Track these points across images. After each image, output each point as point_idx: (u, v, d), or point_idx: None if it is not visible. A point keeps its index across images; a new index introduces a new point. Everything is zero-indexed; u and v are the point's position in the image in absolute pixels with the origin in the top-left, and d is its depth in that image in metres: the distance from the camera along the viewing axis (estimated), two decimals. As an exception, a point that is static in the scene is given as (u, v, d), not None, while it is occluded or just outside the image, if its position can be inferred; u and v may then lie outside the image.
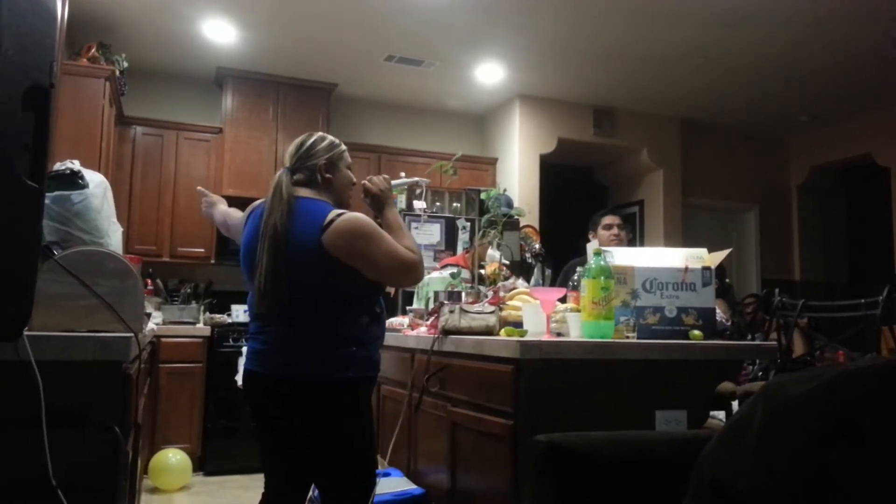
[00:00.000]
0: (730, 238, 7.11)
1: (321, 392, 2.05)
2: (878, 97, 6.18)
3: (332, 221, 2.04)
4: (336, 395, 2.07)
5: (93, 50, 4.77)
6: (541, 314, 2.33)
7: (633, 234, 7.09)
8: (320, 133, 2.29)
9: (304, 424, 2.10)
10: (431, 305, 3.01)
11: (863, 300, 3.80)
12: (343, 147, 2.28)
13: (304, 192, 2.15)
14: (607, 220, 4.05)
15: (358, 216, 2.10)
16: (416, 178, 2.69)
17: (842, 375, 1.01)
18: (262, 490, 2.26)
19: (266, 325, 2.12)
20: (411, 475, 2.86)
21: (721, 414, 2.26)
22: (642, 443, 1.64)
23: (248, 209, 2.32)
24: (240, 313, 5.27)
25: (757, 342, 3.72)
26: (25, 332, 1.50)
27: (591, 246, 2.59)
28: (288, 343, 2.08)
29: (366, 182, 2.33)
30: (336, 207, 2.13)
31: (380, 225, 2.21)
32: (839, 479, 0.94)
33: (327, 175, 2.20)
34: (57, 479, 1.57)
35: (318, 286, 2.06)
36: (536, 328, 2.32)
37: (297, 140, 2.26)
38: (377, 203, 2.32)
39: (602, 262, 2.24)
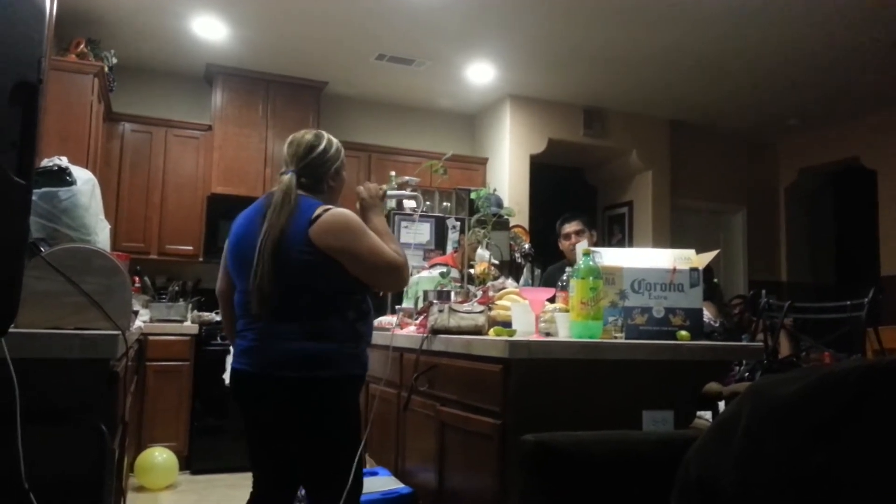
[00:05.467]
0: (718, 239, 7.15)
1: (306, 390, 2.05)
2: (866, 101, 6.23)
3: (319, 216, 2.06)
4: (321, 394, 2.06)
5: (81, 46, 4.73)
6: (530, 314, 2.34)
7: (622, 235, 7.12)
8: (326, 136, 2.27)
9: (289, 423, 2.09)
10: (420, 305, 3.01)
11: (848, 302, 3.83)
12: (343, 151, 2.31)
13: (304, 194, 2.16)
14: (565, 229, 4.06)
15: (345, 211, 2.11)
16: (410, 191, 2.63)
17: (827, 376, 1.02)
18: (250, 489, 2.26)
19: (252, 322, 2.12)
20: (399, 474, 2.86)
21: (707, 414, 2.27)
22: (629, 442, 1.64)
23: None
24: (228, 311, 5.24)
25: (743, 343, 3.74)
26: (10, 330, 1.49)
27: (581, 246, 2.59)
28: (273, 340, 2.08)
29: (360, 188, 2.34)
30: (334, 207, 2.14)
31: None
32: (824, 479, 0.94)
33: (332, 184, 2.25)
34: (42, 477, 1.56)
35: (305, 282, 2.06)
36: (525, 328, 2.32)
37: (304, 141, 2.22)
38: (364, 207, 2.31)
39: (591, 263, 2.24)
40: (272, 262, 2.03)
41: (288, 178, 2.14)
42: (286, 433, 2.13)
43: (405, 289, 3.45)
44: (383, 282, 2.20)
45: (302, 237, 2.04)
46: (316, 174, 2.20)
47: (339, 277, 2.08)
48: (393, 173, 3.88)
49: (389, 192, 2.41)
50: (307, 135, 2.24)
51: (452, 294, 2.83)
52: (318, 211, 2.07)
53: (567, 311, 2.31)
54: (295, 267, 2.05)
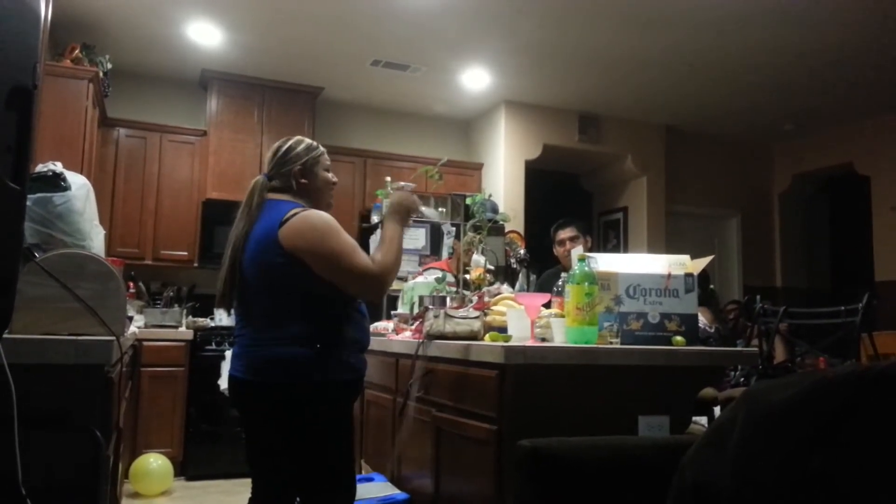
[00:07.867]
0: (712, 245, 7.16)
1: (294, 395, 2.04)
2: (859, 107, 6.26)
3: (290, 217, 2.05)
4: (309, 399, 2.04)
5: (76, 51, 4.73)
6: (525, 319, 2.34)
7: (618, 240, 7.13)
8: (298, 137, 2.30)
9: (280, 428, 2.09)
10: (416, 310, 3.00)
11: (843, 307, 3.84)
12: (321, 150, 2.28)
13: (276, 196, 2.17)
14: (560, 235, 4.08)
15: (318, 212, 2.10)
16: (437, 218, 2.60)
17: (822, 382, 1.02)
18: (245, 495, 2.25)
19: (242, 328, 2.14)
20: (395, 480, 2.85)
21: (703, 419, 2.27)
22: (625, 448, 1.64)
23: None
24: (223, 317, 5.23)
25: (739, 348, 3.74)
26: (4, 335, 1.48)
27: (576, 252, 2.60)
28: (254, 345, 2.08)
29: (399, 191, 2.30)
30: (310, 209, 2.13)
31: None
32: (819, 484, 0.95)
33: (303, 180, 2.21)
34: (36, 482, 1.55)
35: (278, 284, 2.06)
36: (521, 333, 2.32)
37: (275, 145, 2.27)
38: (388, 210, 2.27)
39: (586, 268, 2.24)
40: (230, 265, 2.08)
41: (254, 180, 2.19)
42: (278, 438, 2.12)
43: (401, 294, 3.45)
44: (351, 287, 2.09)
45: (273, 240, 2.03)
46: (282, 172, 2.21)
47: (312, 280, 2.04)
48: (388, 178, 3.89)
49: (425, 212, 2.38)
50: (281, 140, 2.29)
51: (448, 299, 2.83)
52: (290, 212, 2.06)
53: (562, 316, 2.31)
54: (264, 269, 2.05)
